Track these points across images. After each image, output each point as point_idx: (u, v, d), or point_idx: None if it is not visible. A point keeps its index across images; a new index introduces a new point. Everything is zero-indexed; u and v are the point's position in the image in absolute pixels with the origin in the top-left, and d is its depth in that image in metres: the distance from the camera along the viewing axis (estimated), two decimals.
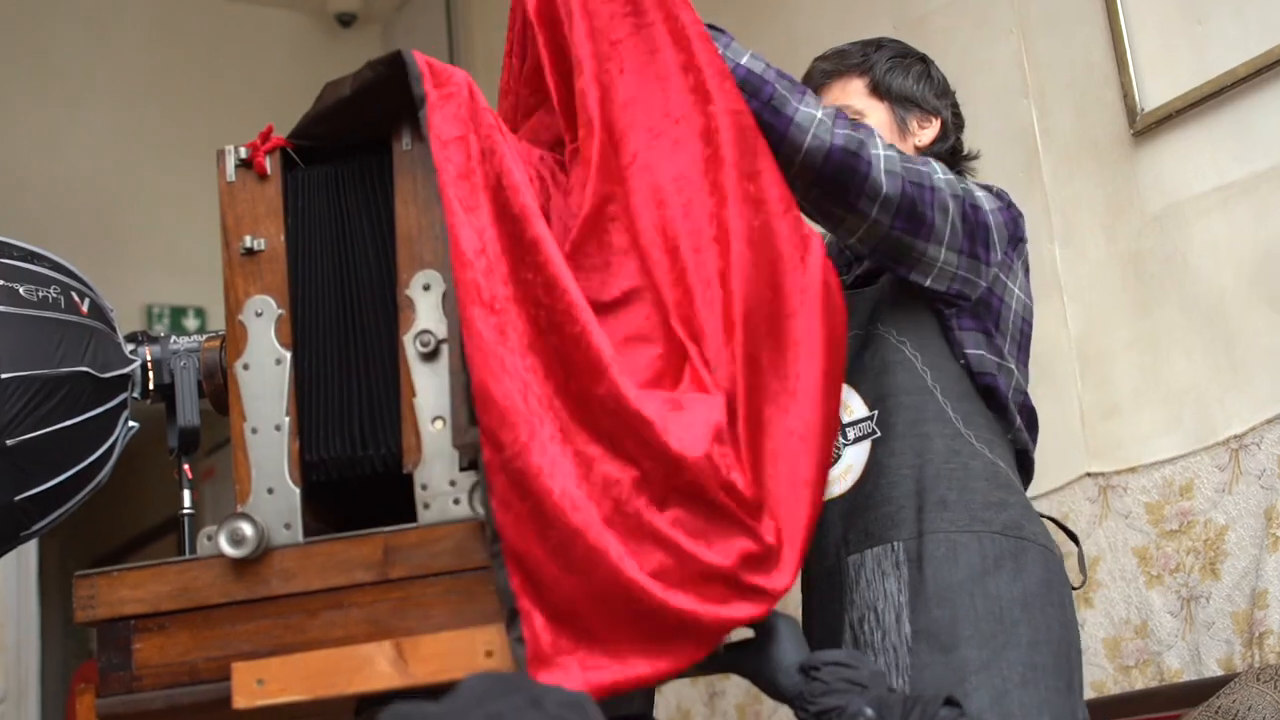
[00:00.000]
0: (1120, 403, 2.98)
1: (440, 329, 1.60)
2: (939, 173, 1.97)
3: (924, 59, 2.26)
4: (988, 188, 2.08)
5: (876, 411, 2.04)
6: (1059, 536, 2.11)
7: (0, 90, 5.12)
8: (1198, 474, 2.83)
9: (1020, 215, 2.10)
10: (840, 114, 1.93)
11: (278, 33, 5.71)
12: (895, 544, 1.98)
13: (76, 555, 6.63)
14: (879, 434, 2.02)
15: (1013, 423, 2.06)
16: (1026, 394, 2.09)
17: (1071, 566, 2.11)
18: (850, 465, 2.04)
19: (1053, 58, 3.21)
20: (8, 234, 2.08)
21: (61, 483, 1.90)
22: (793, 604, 1.92)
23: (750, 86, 1.85)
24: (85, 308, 1.97)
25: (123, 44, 5.39)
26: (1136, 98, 3.00)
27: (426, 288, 1.63)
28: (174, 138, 5.15)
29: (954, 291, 2.00)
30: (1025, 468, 2.12)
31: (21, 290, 1.90)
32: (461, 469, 1.57)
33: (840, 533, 2.02)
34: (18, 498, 1.86)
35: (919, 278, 1.97)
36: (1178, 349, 2.91)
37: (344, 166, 1.74)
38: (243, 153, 1.72)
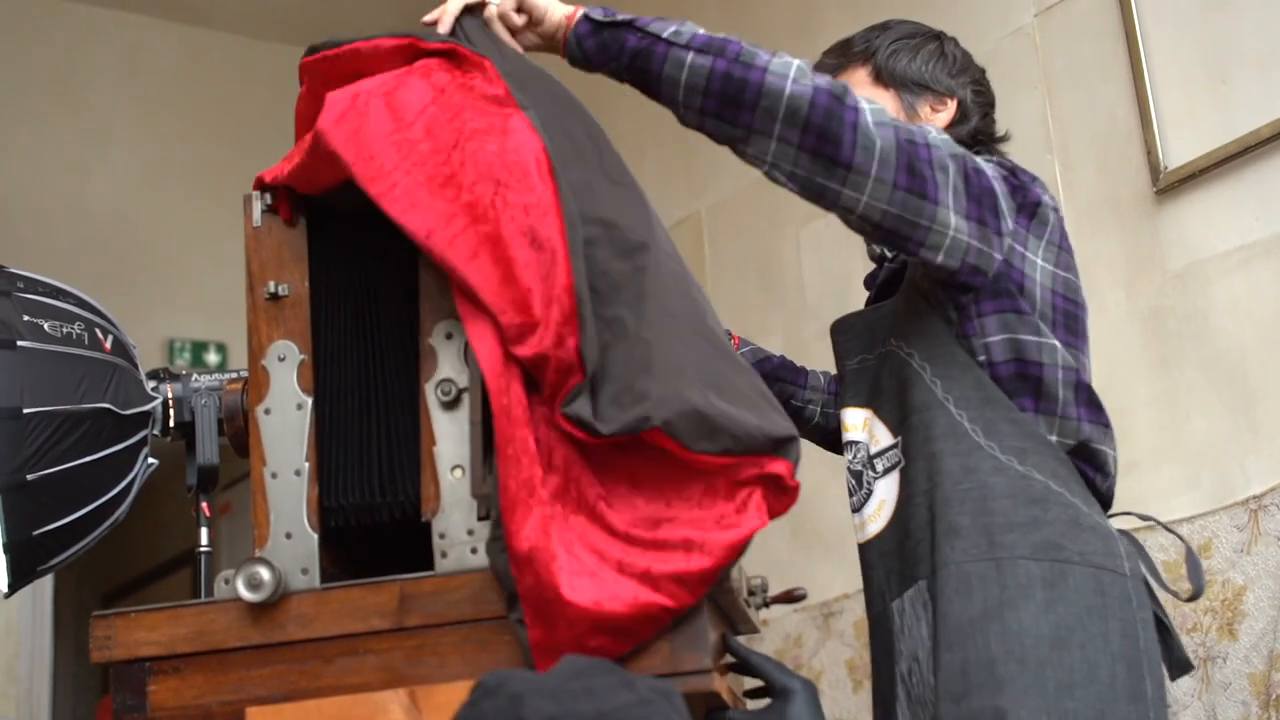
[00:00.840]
0: (1139, 460, 2.97)
1: (461, 378, 1.61)
2: (933, 131, 1.79)
3: (938, 36, 2.10)
4: (989, 158, 1.90)
5: (900, 438, 1.86)
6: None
7: (31, 124, 5.17)
8: (1216, 533, 2.82)
9: (1032, 181, 1.88)
10: (816, 70, 1.75)
11: None
12: (921, 583, 1.79)
13: (91, 587, 6.64)
14: (904, 461, 1.84)
15: (1061, 410, 1.82)
16: (1080, 370, 1.84)
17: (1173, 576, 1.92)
18: (883, 500, 1.88)
19: (1077, 113, 3.22)
20: (35, 265, 2.10)
21: (80, 518, 1.91)
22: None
23: (713, 46, 1.72)
24: (109, 344, 1.98)
25: (152, 81, 5.44)
26: (1160, 155, 3.00)
27: (449, 336, 1.63)
28: (201, 174, 5.19)
29: (969, 267, 1.78)
30: (1093, 461, 1.85)
31: (46, 326, 1.92)
32: (479, 518, 1.58)
33: (882, 576, 1.87)
34: (36, 532, 1.86)
35: (930, 254, 1.76)
36: (1197, 407, 2.91)
37: (369, 213, 1.75)
38: (269, 198, 1.73)
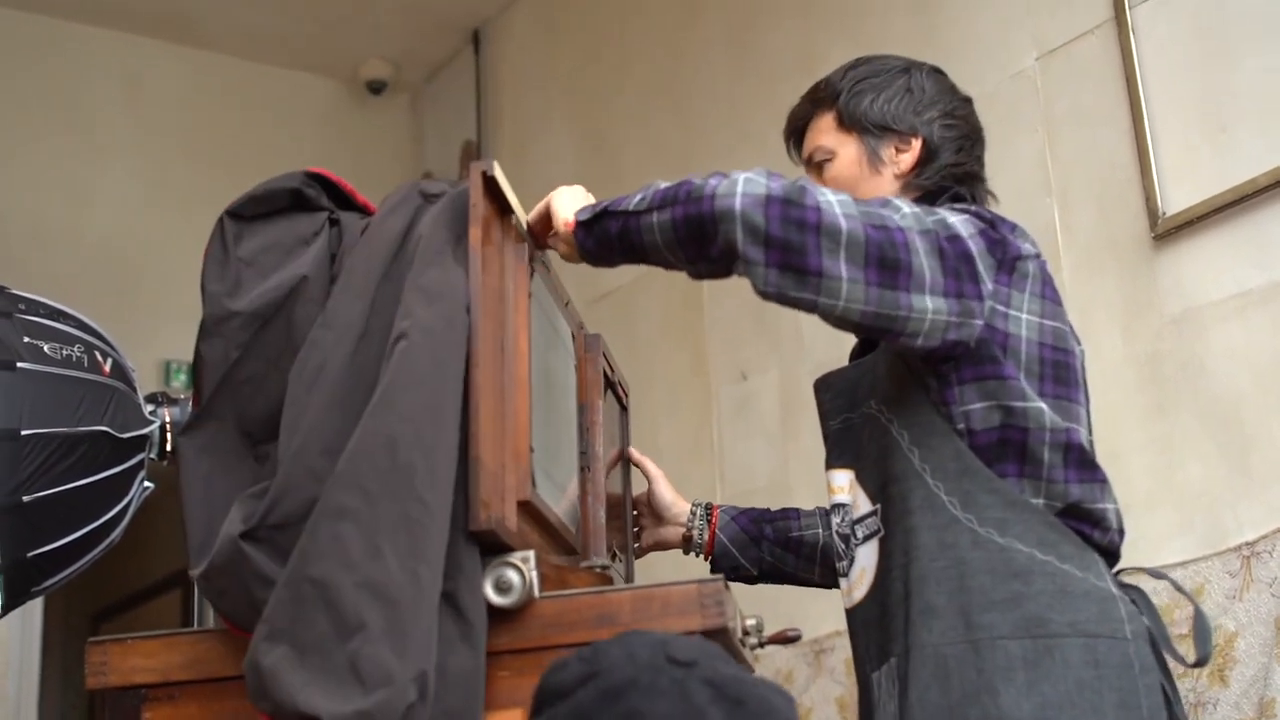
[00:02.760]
0: (1132, 504, 2.96)
1: None
2: (902, 208, 1.72)
3: (906, 69, 2.02)
4: (965, 209, 1.83)
5: (879, 506, 1.83)
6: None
7: (33, 146, 5.18)
8: (1209, 579, 2.82)
9: (1011, 232, 1.82)
10: (772, 174, 1.70)
11: (308, 98, 5.77)
12: (892, 660, 1.75)
13: (80, 607, 6.61)
14: (884, 531, 1.81)
15: (1047, 474, 1.75)
16: (1071, 430, 1.77)
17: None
18: (864, 568, 1.84)
19: (1077, 157, 3.23)
20: (36, 286, 2.10)
21: (74, 541, 1.91)
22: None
23: (669, 198, 1.71)
24: (108, 368, 1.98)
25: (154, 104, 5.45)
26: (1159, 201, 3.01)
27: None
28: (201, 198, 5.15)
29: (950, 342, 1.72)
30: (1088, 518, 1.78)
31: (46, 348, 1.92)
32: None
33: (864, 644, 1.84)
34: (31, 554, 1.86)
35: (910, 340, 1.70)
36: (1192, 453, 2.91)
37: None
38: None
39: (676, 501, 2.30)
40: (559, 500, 1.80)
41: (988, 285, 1.75)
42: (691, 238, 1.70)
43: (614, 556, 2.03)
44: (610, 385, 2.21)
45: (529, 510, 1.66)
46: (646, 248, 1.76)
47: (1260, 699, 2.67)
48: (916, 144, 1.97)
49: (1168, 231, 2.99)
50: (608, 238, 1.79)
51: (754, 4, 4.29)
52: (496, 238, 1.73)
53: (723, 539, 2.26)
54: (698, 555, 2.30)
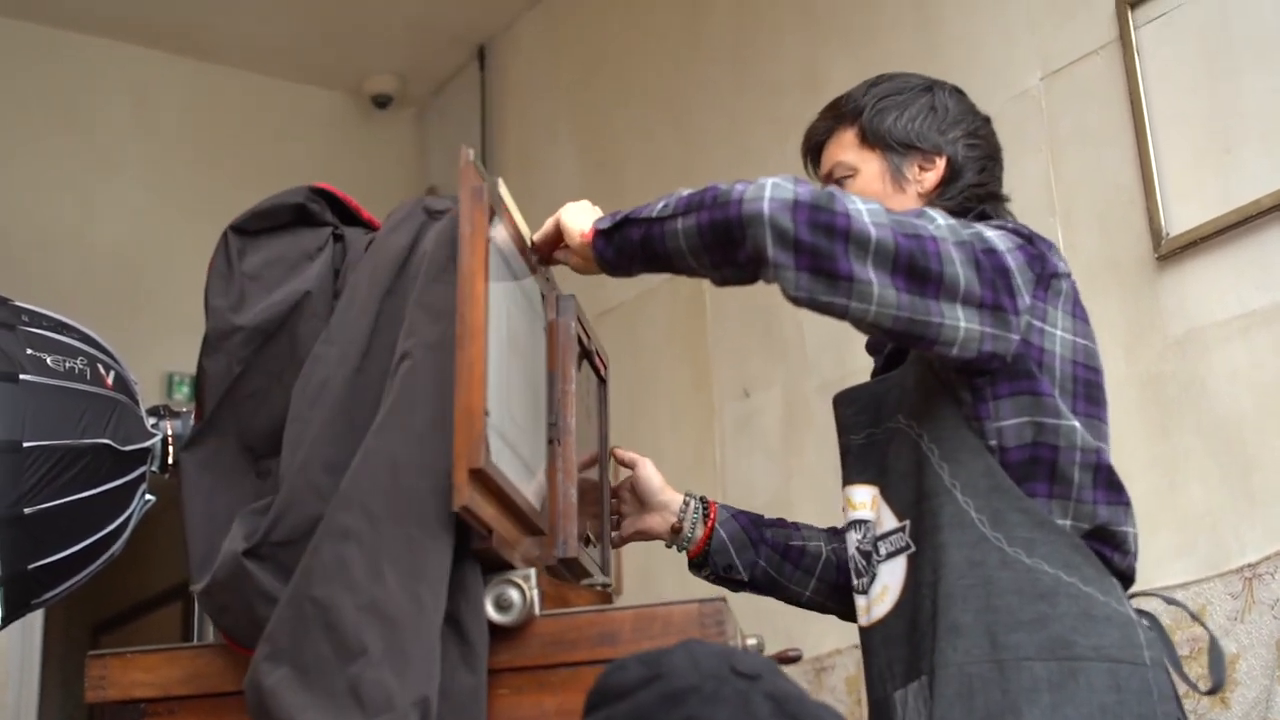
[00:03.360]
0: None
1: None
2: (937, 219, 1.72)
3: (929, 88, 2.01)
4: (1003, 225, 1.83)
5: (907, 521, 1.80)
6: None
7: (39, 157, 5.18)
8: (1210, 600, 2.81)
9: (1049, 249, 1.81)
10: (799, 179, 1.70)
11: (314, 111, 5.78)
12: (923, 678, 1.72)
13: (80, 619, 6.60)
14: (913, 547, 1.78)
15: (1076, 494, 1.74)
16: (1100, 451, 1.77)
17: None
18: (886, 586, 1.81)
19: (1080, 177, 3.24)
20: (40, 296, 2.10)
21: (75, 553, 1.91)
22: None
23: (694, 203, 1.70)
24: (110, 380, 1.99)
25: (160, 115, 5.46)
26: (1162, 221, 3.01)
27: None
28: (207, 209, 5.16)
29: (985, 354, 1.71)
30: (1111, 541, 1.78)
31: (49, 360, 1.92)
32: None
33: (884, 663, 1.80)
34: (32, 566, 1.87)
35: (945, 349, 1.69)
36: (1194, 474, 2.91)
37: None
38: None
39: (666, 488, 2.16)
40: (525, 477, 1.67)
41: (1025, 299, 1.74)
42: (718, 243, 1.68)
43: (588, 542, 1.91)
44: (587, 354, 2.05)
45: (483, 480, 1.50)
46: (670, 254, 1.74)
47: None
48: (941, 163, 1.96)
49: (1171, 252, 2.99)
50: (629, 245, 1.77)
51: (757, 21, 4.30)
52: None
53: (721, 535, 2.13)
54: (681, 549, 2.16)
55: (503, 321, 1.61)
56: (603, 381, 2.19)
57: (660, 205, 1.75)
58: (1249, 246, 2.86)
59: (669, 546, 2.17)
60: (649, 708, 1.19)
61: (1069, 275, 1.84)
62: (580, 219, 1.84)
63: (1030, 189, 3.27)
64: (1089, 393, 1.80)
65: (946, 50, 3.59)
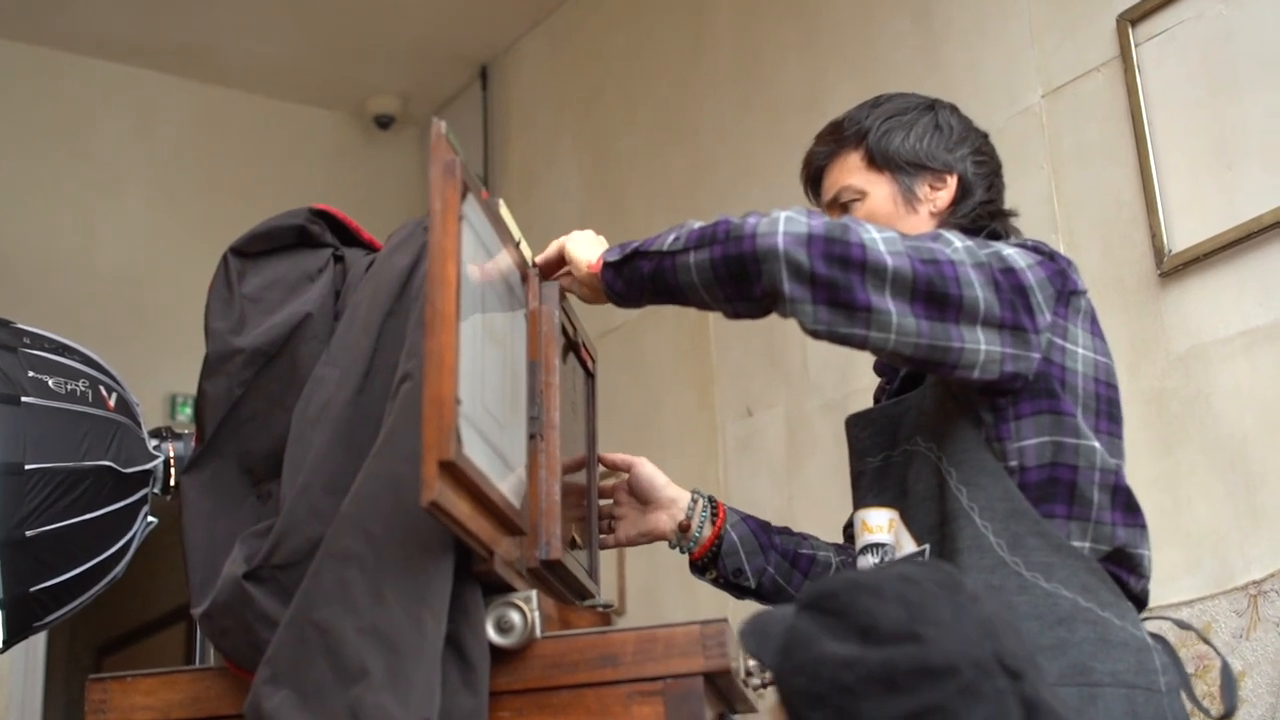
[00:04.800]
0: None
1: None
2: (954, 242, 1.71)
3: (931, 106, 2.00)
4: (1022, 243, 1.81)
5: (927, 545, 1.78)
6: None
7: (43, 178, 5.20)
8: (1215, 618, 2.80)
9: (1068, 265, 1.80)
10: (811, 211, 1.69)
11: (316, 132, 5.79)
12: None
13: (84, 640, 6.60)
14: None
15: (1095, 515, 1.74)
16: (1119, 471, 1.77)
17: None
18: None
19: (1082, 194, 3.24)
20: (42, 318, 2.11)
21: (77, 575, 1.91)
22: None
23: (706, 238, 1.69)
24: (112, 402, 1.98)
25: (163, 137, 5.48)
26: (1164, 238, 3.01)
27: None
28: (210, 232, 5.18)
29: (1008, 374, 1.70)
30: (1128, 564, 1.77)
31: (51, 383, 1.92)
32: None
33: None
34: (34, 589, 1.86)
35: (966, 373, 1.69)
36: (1198, 491, 2.90)
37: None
38: None
39: (671, 485, 2.08)
40: (502, 472, 1.59)
41: (1045, 317, 1.73)
42: (732, 277, 1.68)
43: (573, 544, 1.85)
44: (572, 345, 1.97)
45: (454, 474, 1.41)
46: (683, 288, 1.73)
47: None
48: (952, 181, 1.95)
49: (1173, 269, 2.99)
50: (639, 278, 1.77)
51: (760, 40, 4.31)
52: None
53: (732, 536, 2.06)
54: (685, 551, 2.08)
55: (478, 307, 1.54)
56: (590, 375, 2.11)
57: (671, 238, 1.74)
58: (1251, 263, 2.86)
59: (673, 547, 2.10)
60: (901, 673, 1.12)
61: (1087, 293, 1.83)
62: (587, 250, 1.83)
63: (1032, 206, 3.27)
64: (1110, 411, 1.79)
65: (948, 68, 3.60)
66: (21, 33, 5.19)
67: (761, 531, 2.10)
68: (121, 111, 5.43)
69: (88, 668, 6.33)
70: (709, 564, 2.08)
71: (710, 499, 2.09)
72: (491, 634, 1.55)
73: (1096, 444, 1.75)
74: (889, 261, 1.64)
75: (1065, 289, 1.77)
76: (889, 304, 1.63)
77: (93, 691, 1.62)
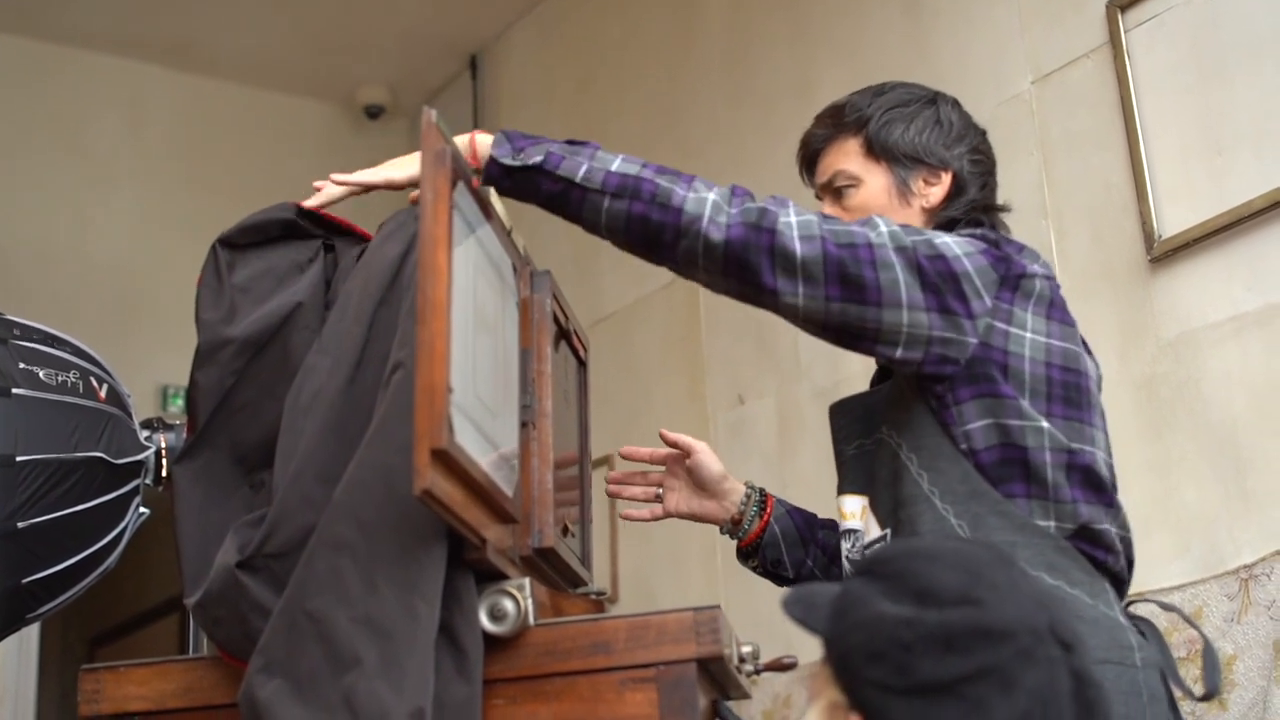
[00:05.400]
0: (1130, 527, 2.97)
1: None
2: (880, 226, 1.74)
3: (933, 100, 2.01)
4: (971, 234, 1.83)
5: (888, 530, 1.81)
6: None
7: (35, 171, 5.19)
8: (1206, 602, 2.81)
9: (1019, 252, 1.82)
10: (738, 190, 1.75)
11: (306, 122, 5.78)
12: None
13: (77, 631, 6.60)
14: None
15: (1054, 494, 1.74)
16: (1077, 452, 1.76)
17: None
18: None
19: (1072, 180, 3.24)
20: (35, 310, 2.11)
21: (70, 567, 1.91)
22: None
23: (627, 190, 1.73)
24: (103, 394, 1.98)
25: (154, 129, 5.47)
26: (1154, 224, 3.02)
27: None
28: (201, 223, 5.16)
29: (935, 357, 1.73)
30: (1099, 542, 1.77)
31: (42, 374, 1.92)
32: None
33: None
34: (26, 580, 1.86)
35: (888, 350, 1.73)
36: (1188, 476, 2.91)
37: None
38: None
39: (728, 477, 2.15)
40: (494, 460, 1.59)
41: (984, 302, 1.75)
42: (646, 237, 1.75)
43: (565, 531, 1.85)
44: (564, 334, 1.97)
45: (446, 462, 1.41)
46: (584, 220, 1.77)
47: None
48: (946, 178, 1.96)
49: (1163, 254, 2.99)
50: (535, 190, 1.77)
51: (750, 29, 4.30)
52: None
53: (775, 529, 2.12)
54: (735, 539, 2.16)
55: (469, 295, 1.55)
56: (582, 364, 2.12)
57: (583, 170, 1.75)
58: (1241, 248, 2.87)
59: (723, 533, 2.18)
60: (959, 634, 1.14)
61: (1047, 277, 1.83)
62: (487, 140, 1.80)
63: (1022, 193, 3.27)
64: (1068, 395, 1.79)
65: (937, 56, 3.60)
66: (12, 26, 5.18)
67: (805, 526, 2.15)
68: (112, 104, 5.42)
69: (81, 659, 6.32)
70: (751, 553, 2.15)
71: (761, 491, 2.16)
72: (485, 622, 1.55)
73: (1045, 425, 1.75)
74: (798, 249, 1.70)
75: (1010, 273, 1.78)
76: (798, 287, 1.71)
77: (86, 682, 1.62)
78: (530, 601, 1.56)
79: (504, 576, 1.59)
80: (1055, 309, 1.83)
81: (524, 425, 1.75)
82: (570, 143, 1.78)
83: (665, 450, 2.18)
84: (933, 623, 1.14)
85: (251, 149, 5.56)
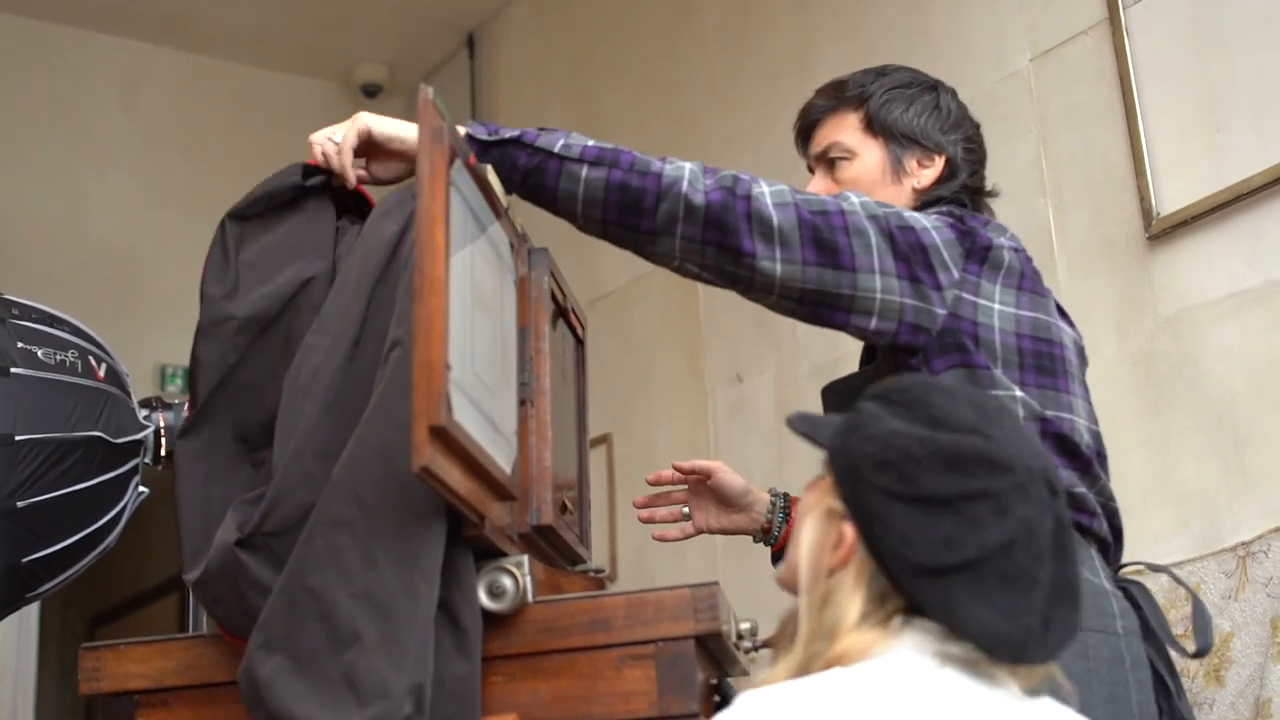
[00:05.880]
0: (1128, 504, 2.94)
1: None
2: (851, 197, 1.79)
3: (934, 86, 2.06)
4: (938, 210, 1.88)
5: None
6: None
7: (33, 150, 5.18)
8: (1204, 579, 2.82)
9: (984, 225, 1.86)
10: (707, 167, 1.79)
11: (304, 101, 5.77)
12: None
13: (77, 611, 6.61)
14: None
15: None
16: (1052, 418, 1.79)
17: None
18: None
19: (1071, 157, 3.23)
20: (33, 288, 2.10)
21: (69, 546, 1.91)
22: None
23: (605, 159, 1.77)
24: (102, 373, 1.98)
25: (152, 107, 5.46)
26: (1153, 201, 3.01)
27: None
28: (199, 201, 5.18)
29: (908, 327, 1.77)
30: (1082, 507, 1.80)
31: (40, 354, 1.92)
32: None
33: None
34: (26, 559, 1.87)
35: (862, 320, 1.76)
36: (1187, 452, 2.91)
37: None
38: None
39: (751, 489, 2.20)
40: (493, 438, 1.58)
41: (952, 274, 1.79)
42: (623, 204, 1.76)
43: (564, 509, 1.85)
44: (562, 312, 1.97)
45: (445, 439, 1.41)
46: (559, 195, 1.79)
47: (1256, 699, 2.67)
48: (940, 161, 2.00)
49: (1162, 231, 2.99)
50: (510, 167, 1.79)
51: (747, 5, 4.29)
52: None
53: None
54: (767, 545, 2.21)
55: (467, 273, 1.54)
56: (580, 342, 2.13)
57: (560, 143, 1.78)
58: (1240, 224, 2.86)
59: (756, 542, 2.23)
60: (965, 457, 1.22)
61: (1015, 249, 1.87)
62: (399, 125, 1.82)
63: (1020, 170, 3.27)
64: (1039, 364, 1.82)
65: (936, 32, 3.59)
66: (8, 4, 5.16)
67: None
68: (108, 81, 5.41)
69: (81, 638, 6.33)
70: (781, 556, 2.18)
71: (785, 496, 2.20)
72: (484, 599, 1.56)
73: (1019, 393, 1.78)
74: (774, 215, 1.73)
75: (977, 246, 1.82)
76: (775, 251, 1.73)
77: (86, 660, 1.62)
78: (529, 579, 1.56)
79: (502, 554, 1.59)
80: (1026, 279, 1.86)
81: (522, 403, 1.75)
82: (542, 129, 1.81)
83: (685, 473, 2.22)
84: (944, 443, 1.22)
85: (249, 127, 5.55)
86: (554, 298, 1.89)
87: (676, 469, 2.21)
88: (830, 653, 1.23)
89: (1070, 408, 1.83)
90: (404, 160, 1.84)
